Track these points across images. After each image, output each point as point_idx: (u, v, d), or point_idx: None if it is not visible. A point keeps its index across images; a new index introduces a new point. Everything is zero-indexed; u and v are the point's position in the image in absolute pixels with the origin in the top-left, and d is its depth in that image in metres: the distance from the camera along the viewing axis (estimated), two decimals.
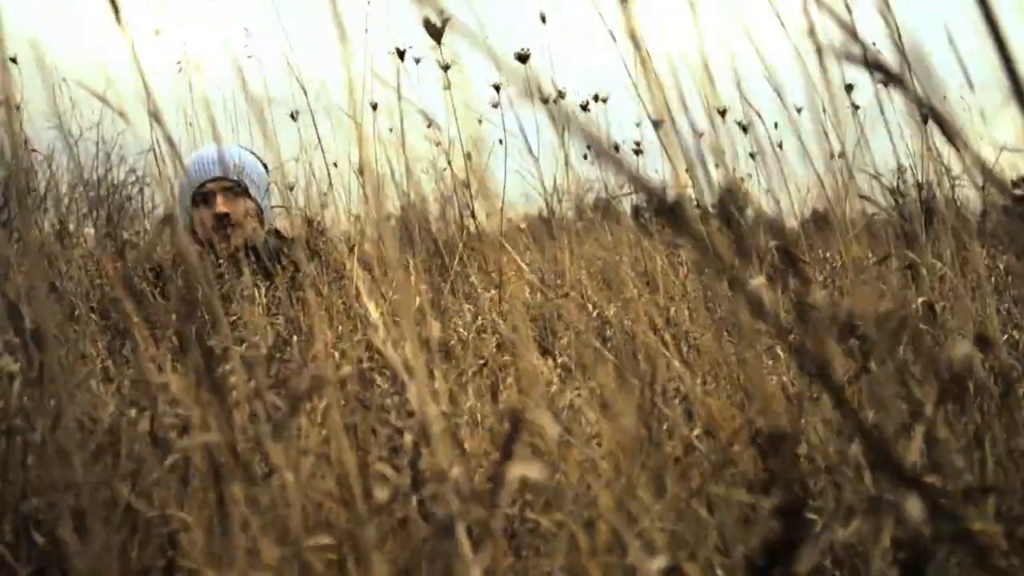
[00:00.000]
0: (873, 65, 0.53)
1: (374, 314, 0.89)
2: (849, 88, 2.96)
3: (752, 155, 2.43)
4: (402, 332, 0.76)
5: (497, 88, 2.34)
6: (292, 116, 3.03)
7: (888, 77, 0.54)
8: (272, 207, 2.65)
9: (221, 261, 2.10)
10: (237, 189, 2.48)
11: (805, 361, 0.55)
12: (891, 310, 0.69)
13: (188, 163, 2.49)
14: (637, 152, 2.95)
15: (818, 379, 0.58)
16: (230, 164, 2.47)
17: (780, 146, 1.99)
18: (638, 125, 2.98)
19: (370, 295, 0.93)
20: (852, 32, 0.61)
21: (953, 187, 2.32)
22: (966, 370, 0.71)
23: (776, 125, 1.94)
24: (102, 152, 3.53)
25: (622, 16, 0.72)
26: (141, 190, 3.69)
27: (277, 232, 2.63)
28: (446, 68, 2.09)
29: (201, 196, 2.48)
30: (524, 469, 0.64)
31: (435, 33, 1.36)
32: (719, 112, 1.39)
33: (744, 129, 2.15)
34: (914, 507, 0.52)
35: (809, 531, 0.65)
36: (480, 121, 2.41)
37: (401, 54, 2.20)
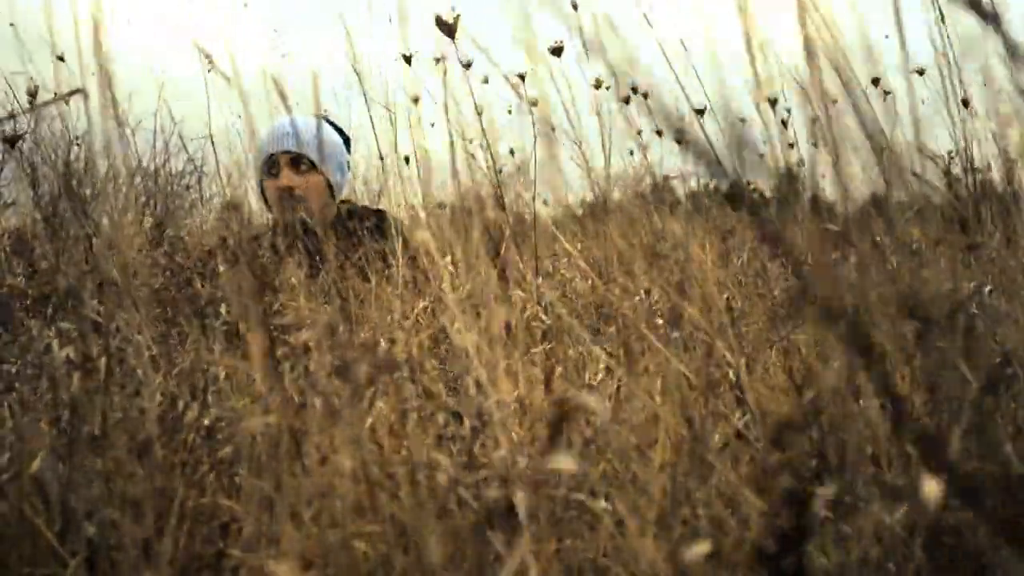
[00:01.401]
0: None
1: (451, 296, 0.88)
2: (875, 81, 2.90)
3: (791, 145, 2.39)
4: (470, 317, 0.76)
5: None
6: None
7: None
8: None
9: (303, 236, 2.07)
10: (305, 162, 2.48)
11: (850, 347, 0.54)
12: (946, 292, 0.67)
13: (263, 132, 2.49)
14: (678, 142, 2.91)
15: (863, 362, 0.56)
16: (300, 136, 2.45)
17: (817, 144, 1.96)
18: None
19: (449, 278, 0.92)
20: None
21: (1012, 170, 2.26)
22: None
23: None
24: (159, 142, 3.53)
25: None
26: (199, 179, 3.70)
27: (353, 205, 2.60)
28: (467, 65, 2.06)
29: (270, 167, 2.49)
30: (561, 462, 0.64)
31: (448, 30, 1.33)
32: (769, 101, 1.36)
33: (784, 124, 2.12)
34: (931, 491, 0.51)
35: (817, 521, 0.64)
36: (510, 111, 2.39)
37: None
